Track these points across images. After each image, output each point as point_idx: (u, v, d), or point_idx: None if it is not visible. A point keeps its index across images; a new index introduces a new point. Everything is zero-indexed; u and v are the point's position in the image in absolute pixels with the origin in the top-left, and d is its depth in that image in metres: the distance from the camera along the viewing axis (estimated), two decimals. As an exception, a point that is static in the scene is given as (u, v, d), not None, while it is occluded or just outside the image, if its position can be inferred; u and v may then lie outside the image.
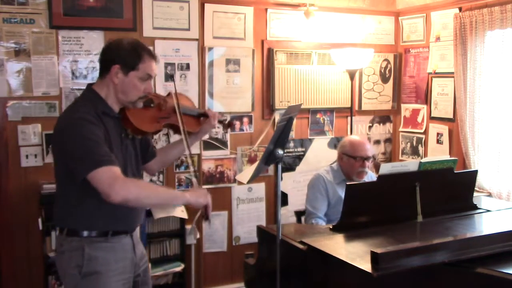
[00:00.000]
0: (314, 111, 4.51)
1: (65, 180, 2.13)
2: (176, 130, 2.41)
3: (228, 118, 2.74)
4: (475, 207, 2.87)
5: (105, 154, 2.02)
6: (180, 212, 3.80)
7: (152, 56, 2.21)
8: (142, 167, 2.45)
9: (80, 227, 2.13)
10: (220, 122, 2.65)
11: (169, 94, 2.45)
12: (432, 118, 4.45)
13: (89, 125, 2.04)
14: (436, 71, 4.39)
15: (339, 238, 2.46)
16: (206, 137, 3.99)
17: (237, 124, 4.19)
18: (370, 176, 3.46)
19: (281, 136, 2.28)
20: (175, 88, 2.42)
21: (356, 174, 3.29)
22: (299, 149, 4.49)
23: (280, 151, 2.27)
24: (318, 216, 3.22)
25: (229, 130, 2.66)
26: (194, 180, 2.33)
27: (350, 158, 3.31)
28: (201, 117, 2.56)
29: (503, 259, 2.11)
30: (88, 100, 2.15)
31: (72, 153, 2.03)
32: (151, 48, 3.69)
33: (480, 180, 3.90)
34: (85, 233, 2.13)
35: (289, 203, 4.43)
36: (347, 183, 2.64)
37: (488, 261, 2.08)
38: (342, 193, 3.24)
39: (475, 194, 2.96)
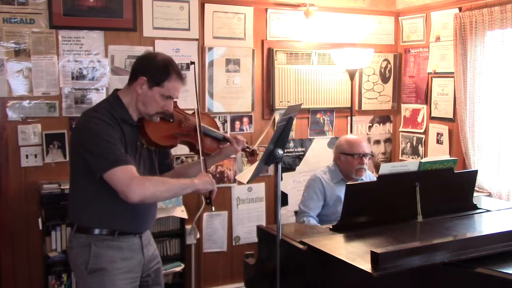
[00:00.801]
0: (314, 111, 4.51)
1: (79, 178, 2.18)
2: (192, 149, 2.42)
3: (253, 147, 2.70)
4: (475, 207, 2.87)
5: (121, 154, 2.07)
6: (180, 212, 3.80)
7: (181, 78, 2.24)
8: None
9: (90, 225, 2.18)
10: (243, 150, 2.60)
11: (193, 113, 2.46)
12: (432, 118, 4.45)
13: (106, 126, 2.09)
14: (436, 71, 4.39)
15: (339, 238, 2.46)
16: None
17: (237, 124, 4.20)
18: (369, 175, 3.46)
19: (281, 136, 2.28)
20: (197, 97, 2.41)
21: (355, 172, 3.30)
22: (299, 149, 4.49)
23: (280, 151, 2.27)
24: (310, 215, 3.23)
25: (251, 159, 2.63)
26: (202, 166, 2.33)
27: (348, 156, 3.31)
28: (225, 141, 2.54)
29: (503, 259, 2.11)
30: (109, 104, 2.21)
31: (89, 152, 2.08)
32: (151, 48, 3.74)
33: (480, 180, 3.90)
34: (97, 231, 2.18)
35: (289, 203, 4.43)
36: (347, 183, 2.64)
37: (488, 261, 2.08)
38: (340, 193, 3.26)
39: (475, 194, 2.96)
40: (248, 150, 2.61)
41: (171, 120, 2.33)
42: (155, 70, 2.18)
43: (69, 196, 2.29)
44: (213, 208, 2.35)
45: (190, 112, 2.49)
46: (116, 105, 2.20)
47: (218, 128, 2.63)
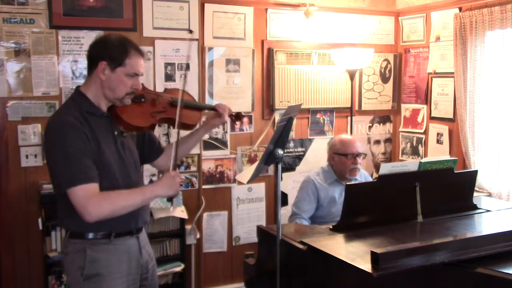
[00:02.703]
0: (314, 111, 4.51)
1: None
2: (173, 124, 2.34)
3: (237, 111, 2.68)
4: (475, 207, 2.87)
5: (81, 171, 2.00)
6: (180, 212, 3.80)
7: (140, 52, 2.17)
8: (152, 163, 2.46)
9: (84, 229, 2.11)
10: (229, 115, 2.58)
11: (165, 90, 2.44)
12: (432, 118, 4.45)
13: (71, 132, 2.02)
14: (436, 71, 4.39)
15: (339, 238, 2.46)
16: (206, 137, 3.99)
17: (237, 124, 4.19)
18: (363, 174, 3.46)
19: (281, 136, 2.28)
20: (184, 81, 2.38)
21: (348, 172, 3.30)
22: (299, 149, 4.49)
23: (280, 151, 2.26)
24: (302, 217, 3.24)
25: (237, 124, 2.59)
26: (171, 166, 2.26)
27: (341, 156, 3.31)
28: (207, 110, 2.54)
29: (503, 259, 2.11)
30: (73, 101, 2.14)
31: (53, 165, 2.05)
32: (151, 48, 3.74)
33: (480, 180, 3.90)
34: (90, 235, 2.12)
35: (289, 203, 4.42)
36: (347, 184, 2.64)
37: (488, 261, 2.08)
38: (334, 194, 3.28)
39: (475, 194, 2.96)
40: (233, 114, 2.59)
41: (143, 100, 2.27)
42: (112, 50, 2.10)
43: (57, 201, 2.18)
44: (171, 208, 2.28)
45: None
46: (80, 101, 2.12)
47: (195, 101, 2.60)
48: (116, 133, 2.19)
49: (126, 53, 2.11)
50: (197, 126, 2.55)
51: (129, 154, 2.23)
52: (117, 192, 2.09)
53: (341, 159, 3.32)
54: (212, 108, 2.54)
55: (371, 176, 4.48)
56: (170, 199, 2.22)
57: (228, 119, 2.56)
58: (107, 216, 2.03)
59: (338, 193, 3.30)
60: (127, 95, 2.15)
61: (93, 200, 1.99)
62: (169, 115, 2.32)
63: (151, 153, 2.44)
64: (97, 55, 2.12)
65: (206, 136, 3.93)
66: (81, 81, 3.58)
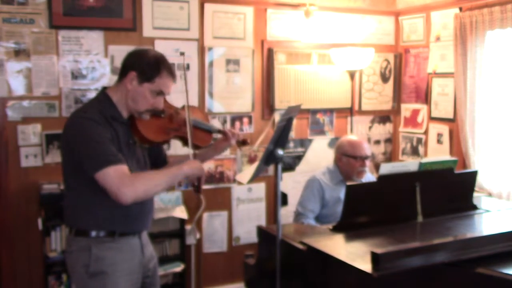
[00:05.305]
0: (314, 111, 4.51)
1: (72, 180, 2.15)
2: (185, 143, 2.41)
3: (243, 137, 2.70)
4: (475, 207, 2.86)
5: (111, 153, 2.03)
6: (180, 212, 3.81)
7: (172, 74, 2.21)
8: None
9: (88, 227, 2.14)
10: (236, 142, 2.61)
11: (183, 107, 2.45)
12: (432, 118, 4.45)
13: (96, 126, 2.05)
14: (436, 71, 4.39)
15: (339, 238, 2.46)
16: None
17: (237, 124, 4.19)
18: (368, 176, 3.46)
19: (281, 136, 2.28)
20: (187, 97, 2.40)
21: (356, 174, 3.30)
22: (299, 149, 4.49)
23: (280, 151, 2.27)
24: (308, 217, 3.24)
25: (242, 148, 2.63)
26: (191, 153, 2.31)
27: (350, 158, 3.31)
28: (218, 133, 2.56)
29: (503, 259, 2.11)
30: (98, 102, 2.17)
31: (79, 153, 2.04)
32: (150, 47, 3.73)
33: (480, 180, 3.89)
34: (93, 233, 2.14)
35: (289, 203, 4.43)
36: (347, 183, 2.63)
37: (488, 261, 2.08)
38: (340, 194, 3.26)
39: (475, 194, 2.96)
40: (239, 141, 2.61)
41: (162, 115, 2.31)
42: (145, 65, 2.14)
43: (64, 198, 2.23)
44: (201, 197, 2.30)
45: (179, 106, 2.48)
46: (105, 103, 2.16)
47: (208, 121, 2.62)
48: (130, 141, 2.23)
49: (158, 72, 2.15)
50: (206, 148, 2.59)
51: (136, 164, 2.24)
52: (145, 173, 2.16)
53: (349, 161, 3.31)
54: (221, 132, 2.57)
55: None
56: (197, 189, 2.24)
57: (233, 144, 2.57)
58: (142, 197, 2.04)
59: (343, 194, 3.29)
60: (146, 111, 2.20)
61: (126, 181, 1.99)
62: (182, 134, 2.36)
63: (155, 164, 2.47)
64: (130, 64, 2.17)
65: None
66: (81, 81, 3.61)
